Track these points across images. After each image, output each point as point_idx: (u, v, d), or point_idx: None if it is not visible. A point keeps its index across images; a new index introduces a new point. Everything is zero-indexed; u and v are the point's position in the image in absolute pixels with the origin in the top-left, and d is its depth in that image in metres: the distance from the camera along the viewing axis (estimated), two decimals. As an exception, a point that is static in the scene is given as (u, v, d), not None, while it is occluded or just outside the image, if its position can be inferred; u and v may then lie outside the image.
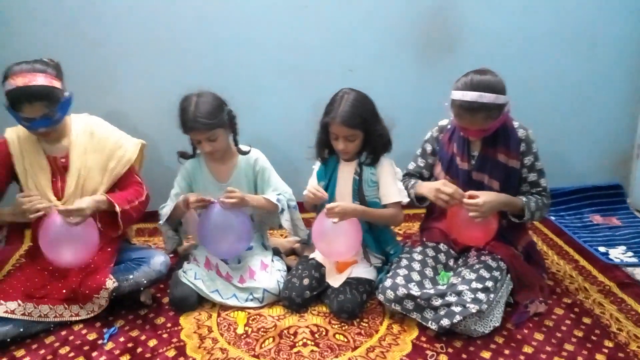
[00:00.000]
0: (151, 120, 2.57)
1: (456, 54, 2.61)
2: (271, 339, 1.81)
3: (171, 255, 2.17)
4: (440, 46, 2.62)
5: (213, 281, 2.01)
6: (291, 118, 2.62)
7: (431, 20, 2.58)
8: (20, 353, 1.75)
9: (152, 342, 1.81)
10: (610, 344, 1.75)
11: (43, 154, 1.90)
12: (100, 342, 1.80)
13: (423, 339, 1.79)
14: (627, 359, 1.68)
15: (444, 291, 1.79)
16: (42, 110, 1.74)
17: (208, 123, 1.91)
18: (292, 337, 1.82)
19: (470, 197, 1.82)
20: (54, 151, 1.91)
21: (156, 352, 1.76)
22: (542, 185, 1.94)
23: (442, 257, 2.01)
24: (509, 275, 1.92)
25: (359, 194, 1.99)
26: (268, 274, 2.05)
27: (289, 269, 2.14)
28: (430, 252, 2.01)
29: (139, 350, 1.77)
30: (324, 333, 1.84)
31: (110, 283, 1.86)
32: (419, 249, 2.02)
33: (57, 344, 1.79)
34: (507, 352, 1.72)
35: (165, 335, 1.84)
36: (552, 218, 2.73)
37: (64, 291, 1.86)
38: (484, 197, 1.81)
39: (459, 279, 1.84)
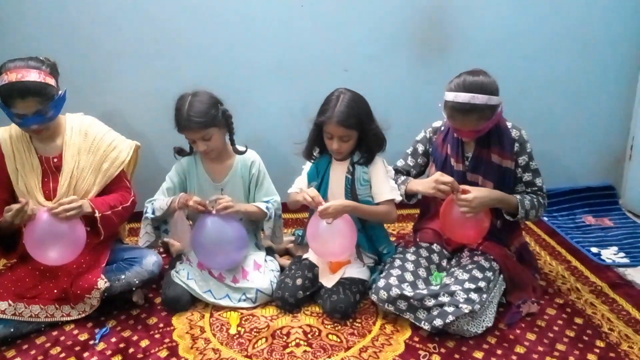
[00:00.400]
0: (146, 120, 2.56)
1: (450, 54, 2.61)
2: (264, 340, 1.80)
3: (164, 255, 2.16)
4: (434, 46, 2.63)
5: (206, 281, 2.00)
6: (286, 117, 2.62)
7: (426, 20, 2.58)
8: (10, 353, 1.74)
9: (144, 343, 1.80)
10: (602, 344, 1.76)
11: (35, 154, 1.88)
12: (91, 342, 1.79)
13: (416, 339, 1.79)
14: (619, 359, 1.68)
15: (437, 291, 1.79)
16: (35, 106, 1.73)
17: (201, 122, 1.90)
18: (285, 337, 1.82)
19: (463, 192, 1.83)
20: (47, 151, 1.90)
21: (148, 352, 1.75)
22: (538, 184, 1.94)
23: (435, 257, 2.02)
24: (501, 276, 1.93)
25: (351, 193, 1.99)
26: (261, 274, 2.05)
27: (282, 269, 2.13)
28: (424, 253, 2.01)
29: (131, 350, 1.76)
30: (317, 333, 1.84)
31: (102, 283, 1.85)
32: (412, 249, 2.02)
33: (48, 345, 1.78)
34: (499, 352, 1.72)
35: (157, 336, 1.83)
36: (545, 219, 2.74)
37: (55, 291, 1.84)
38: (475, 192, 1.82)
39: (452, 279, 1.85)
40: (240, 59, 2.55)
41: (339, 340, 1.80)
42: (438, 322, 1.73)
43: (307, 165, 2.10)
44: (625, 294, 2.05)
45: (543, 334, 1.81)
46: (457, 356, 1.71)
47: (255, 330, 1.85)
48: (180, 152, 2.12)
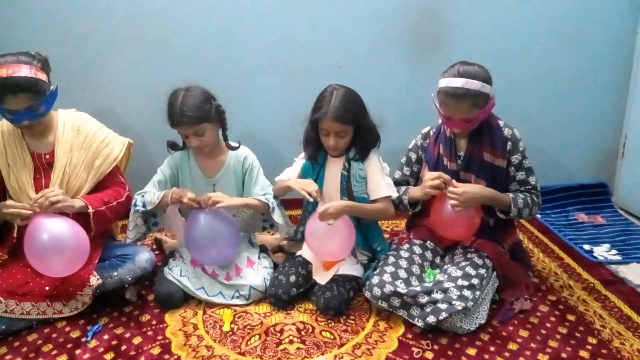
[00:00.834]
0: (139, 116, 2.55)
1: (445, 51, 2.61)
2: (257, 337, 1.80)
3: (157, 252, 2.15)
4: (429, 43, 2.63)
5: (199, 278, 2.00)
6: (280, 114, 2.62)
7: (420, 17, 2.58)
8: (2, 351, 1.73)
9: (137, 340, 1.79)
10: (594, 341, 1.76)
11: (27, 149, 1.87)
12: (83, 339, 1.78)
13: (409, 335, 1.79)
14: (610, 355, 1.69)
15: (430, 288, 1.79)
16: (26, 102, 1.71)
17: (194, 117, 1.89)
18: (279, 334, 1.82)
19: (455, 186, 1.83)
20: (39, 147, 1.89)
21: (141, 349, 1.74)
22: (532, 183, 1.95)
23: (428, 254, 2.02)
24: (494, 273, 1.93)
25: (347, 190, 1.98)
26: (254, 271, 2.05)
27: (275, 266, 2.13)
28: (417, 250, 2.02)
29: (124, 347, 1.75)
30: (310, 330, 1.84)
31: (94, 280, 1.84)
32: (406, 246, 2.02)
33: (39, 342, 1.77)
34: (492, 348, 1.73)
35: (150, 333, 1.82)
36: (538, 216, 2.74)
37: (47, 288, 1.83)
38: (465, 187, 1.83)
39: (445, 276, 1.85)
40: (234, 54, 2.54)
41: (332, 337, 1.80)
42: (431, 319, 1.73)
43: (300, 157, 2.09)
44: (618, 291, 2.06)
45: (536, 330, 1.82)
46: (450, 353, 1.71)
47: (248, 327, 1.85)
48: (173, 146, 2.10)
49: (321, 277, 1.98)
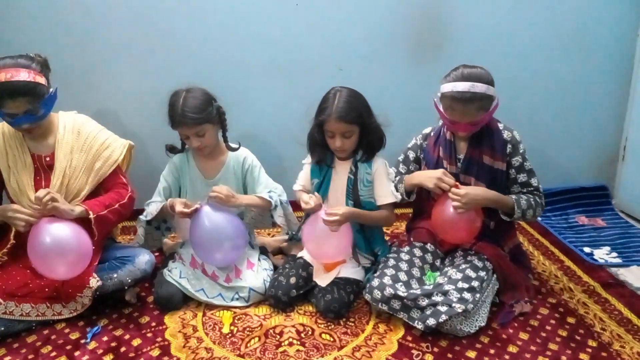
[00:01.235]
0: (140, 118, 2.55)
1: (446, 53, 2.61)
2: (257, 339, 1.80)
3: (156, 253, 2.15)
4: (430, 45, 2.63)
5: (198, 280, 2.00)
6: (281, 116, 2.62)
7: (421, 19, 2.58)
8: (1, 352, 1.72)
9: (136, 342, 1.79)
10: (594, 344, 1.76)
11: (28, 151, 1.87)
12: (83, 341, 1.78)
13: (409, 338, 1.79)
14: (610, 358, 1.69)
15: (430, 291, 1.79)
16: (25, 106, 1.71)
17: (196, 118, 1.90)
18: (278, 336, 1.81)
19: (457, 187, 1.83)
20: (40, 149, 1.89)
21: (140, 351, 1.74)
22: (534, 184, 1.94)
23: (429, 257, 2.02)
24: (494, 275, 1.93)
25: (353, 194, 1.98)
26: (254, 272, 2.04)
27: (275, 268, 2.13)
28: (418, 252, 2.01)
29: (123, 349, 1.75)
30: (310, 332, 1.83)
31: (94, 282, 1.84)
32: (406, 249, 2.02)
33: (39, 343, 1.77)
34: (492, 351, 1.72)
35: (149, 335, 1.82)
36: (539, 218, 2.73)
37: (47, 290, 1.83)
38: (468, 189, 1.82)
39: (446, 279, 1.84)
40: (235, 57, 2.54)
41: (332, 339, 1.80)
42: (431, 322, 1.73)
43: (307, 161, 2.09)
44: (618, 293, 2.05)
45: (536, 333, 1.82)
46: (450, 355, 1.71)
47: (248, 329, 1.85)
48: (172, 149, 2.11)
49: (322, 280, 1.97)
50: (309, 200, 1.89)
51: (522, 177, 1.93)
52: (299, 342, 1.78)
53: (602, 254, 2.37)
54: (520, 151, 1.91)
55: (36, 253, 1.71)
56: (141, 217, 2.02)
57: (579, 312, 1.94)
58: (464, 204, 1.79)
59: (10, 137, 1.87)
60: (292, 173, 2.17)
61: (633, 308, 1.95)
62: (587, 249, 2.42)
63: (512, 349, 1.74)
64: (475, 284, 1.81)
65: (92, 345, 1.77)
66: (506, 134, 1.91)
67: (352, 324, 1.87)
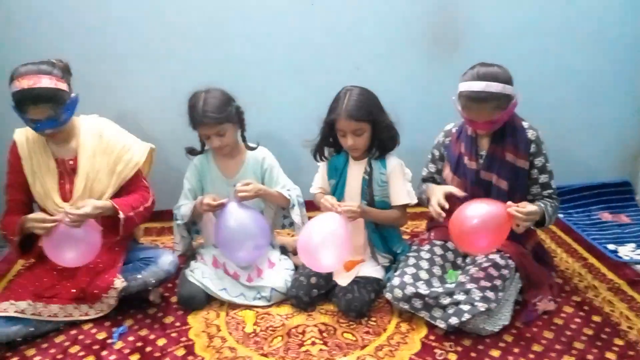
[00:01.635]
0: (160, 120, 2.57)
1: (463, 51, 2.59)
2: (279, 338, 1.81)
3: (179, 254, 2.17)
4: (447, 42, 2.61)
5: (221, 279, 2.02)
6: (298, 115, 2.61)
7: (438, 16, 2.56)
8: (30, 352, 1.76)
9: (161, 341, 1.81)
10: (621, 342, 1.74)
11: (52, 155, 1.90)
12: (109, 341, 1.81)
13: (432, 337, 1.78)
14: (638, 357, 1.67)
15: (452, 289, 1.78)
16: (47, 112, 1.74)
17: (217, 117, 1.92)
18: (301, 335, 1.82)
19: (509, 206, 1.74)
20: (63, 153, 1.92)
21: (165, 351, 1.76)
22: (553, 187, 1.92)
23: (450, 255, 2.01)
24: (517, 274, 1.92)
25: (367, 194, 1.99)
26: (275, 272, 2.06)
27: (296, 267, 2.14)
28: (438, 251, 2.01)
29: (149, 349, 1.78)
30: (332, 332, 1.84)
31: (119, 283, 1.87)
32: (426, 247, 2.01)
33: (67, 343, 1.80)
34: (516, 350, 1.71)
35: (174, 334, 1.85)
36: (561, 215, 2.71)
37: (73, 291, 1.86)
38: (529, 207, 1.74)
39: (468, 278, 1.83)
40: (252, 58, 2.55)
41: (354, 338, 1.80)
42: (454, 321, 1.72)
43: (323, 163, 2.10)
44: (644, 291, 2.03)
45: (560, 332, 1.80)
46: (473, 355, 1.70)
47: (270, 328, 1.86)
48: (191, 152, 2.14)
49: (342, 279, 1.98)
50: (333, 202, 1.89)
51: (543, 178, 1.91)
52: (321, 342, 1.79)
53: (627, 251, 2.33)
54: (544, 152, 1.89)
55: (48, 240, 1.76)
56: (178, 221, 2.07)
57: (604, 310, 1.91)
58: (523, 221, 1.73)
59: (34, 143, 1.90)
60: (310, 172, 2.18)
61: (660, 306, 1.93)
62: (611, 246, 2.38)
63: (536, 347, 1.72)
64: (498, 282, 1.80)
65: (119, 345, 1.80)
66: (530, 133, 1.88)
67: (374, 323, 1.87)
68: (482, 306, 1.72)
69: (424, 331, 1.82)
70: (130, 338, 1.83)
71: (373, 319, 1.90)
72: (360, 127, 1.89)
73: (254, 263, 2.07)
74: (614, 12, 2.63)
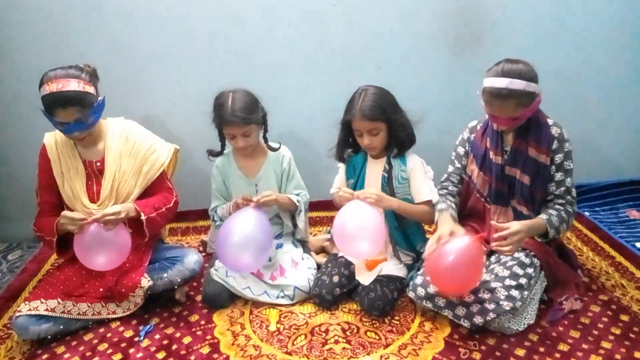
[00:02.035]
0: (184, 122, 2.61)
1: (486, 47, 2.57)
2: (303, 336, 1.82)
3: (203, 253, 2.20)
4: (470, 39, 2.59)
5: (244, 278, 2.03)
6: (320, 115, 2.63)
7: (460, 13, 2.54)
8: (60, 350, 1.81)
9: (187, 339, 1.84)
10: (650, 342, 1.71)
11: (79, 158, 1.94)
12: (136, 339, 1.85)
13: (456, 336, 1.77)
14: (668, 357, 1.64)
15: (477, 288, 1.77)
16: (75, 114, 1.77)
17: (246, 118, 1.95)
18: (324, 334, 1.83)
19: (494, 230, 1.74)
20: (90, 155, 1.96)
21: (191, 349, 1.79)
22: (567, 185, 1.88)
23: None
24: (542, 272, 1.89)
25: (388, 192, 1.99)
26: (298, 271, 2.07)
27: (318, 266, 2.15)
28: None
29: (174, 347, 1.80)
30: (355, 330, 1.84)
31: (146, 282, 1.90)
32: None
33: (95, 341, 1.84)
34: (542, 349, 1.69)
35: (199, 333, 1.87)
36: (587, 213, 2.67)
37: (101, 290, 1.91)
38: (509, 231, 1.71)
39: (492, 276, 1.82)
40: (274, 58, 2.57)
41: (377, 337, 1.80)
42: (478, 320, 1.71)
43: (343, 165, 2.12)
44: (674, 290, 1.98)
45: (587, 331, 1.77)
46: (498, 354, 1.68)
47: (294, 327, 1.88)
48: (212, 153, 2.17)
49: (364, 278, 1.98)
50: (350, 190, 1.92)
51: (559, 176, 1.87)
52: (344, 340, 1.79)
53: (656, 250, 2.29)
54: (565, 149, 1.86)
55: (79, 244, 1.80)
56: (217, 223, 2.12)
57: (632, 309, 1.88)
58: (510, 246, 1.71)
59: (63, 145, 1.95)
60: (332, 172, 2.19)
61: (691, 305, 1.88)
62: (639, 244, 2.34)
63: (562, 347, 1.70)
64: (523, 281, 1.78)
65: (146, 343, 1.83)
66: (554, 130, 1.86)
67: (397, 322, 1.87)
68: (507, 305, 1.70)
69: (447, 330, 1.81)
70: (157, 336, 1.86)
71: (396, 317, 1.90)
72: (375, 127, 1.90)
73: (277, 262, 2.09)
74: (638, 7, 2.57)
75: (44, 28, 2.40)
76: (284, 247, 2.17)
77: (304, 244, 2.27)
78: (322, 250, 2.38)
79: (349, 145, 2.08)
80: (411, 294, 1.88)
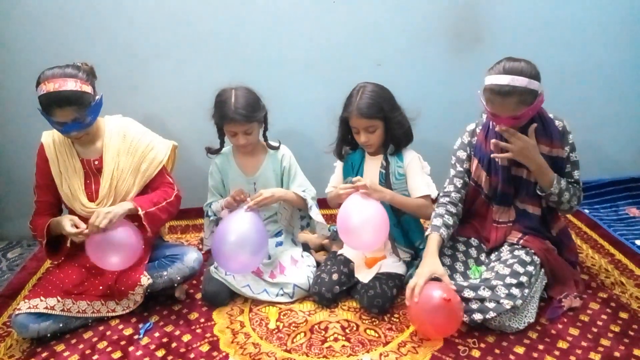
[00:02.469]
0: (183, 119, 2.61)
1: (486, 44, 2.56)
2: (303, 334, 1.82)
3: (203, 251, 2.20)
4: (470, 36, 2.58)
5: (244, 276, 2.03)
6: (319, 113, 2.61)
7: (460, 10, 2.54)
8: (60, 348, 1.81)
9: (186, 337, 1.84)
10: (650, 339, 1.71)
11: (77, 156, 1.93)
12: (136, 337, 1.85)
13: (455, 334, 1.77)
14: (667, 355, 1.64)
15: (477, 285, 1.77)
16: (73, 114, 1.76)
17: (248, 115, 1.95)
18: (323, 332, 1.83)
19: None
20: (88, 154, 1.95)
21: (190, 346, 1.79)
22: (575, 177, 1.89)
23: (472, 251, 1.99)
24: (542, 270, 1.89)
25: (385, 188, 1.98)
26: (298, 269, 2.07)
27: (318, 264, 2.15)
28: (461, 247, 2.00)
29: (174, 345, 1.80)
30: (354, 328, 1.85)
31: (145, 280, 1.91)
32: (449, 243, 2.00)
33: (95, 339, 1.84)
34: (541, 347, 1.69)
35: (198, 330, 1.87)
36: (586, 211, 2.67)
37: (101, 288, 1.91)
38: (522, 136, 1.76)
39: (493, 274, 1.82)
40: (274, 56, 2.57)
41: (377, 335, 1.80)
42: (478, 317, 1.71)
43: (340, 163, 2.12)
44: (673, 288, 1.98)
45: (587, 328, 1.77)
46: (497, 351, 1.69)
47: (293, 325, 1.88)
48: (211, 151, 2.17)
49: (364, 276, 1.98)
50: (344, 185, 1.92)
51: (566, 168, 1.88)
52: (344, 338, 1.79)
53: (656, 247, 2.29)
54: (570, 141, 1.86)
55: (93, 247, 1.80)
56: (210, 217, 2.11)
57: (631, 307, 1.88)
58: (515, 145, 1.75)
59: (60, 144, 1.93)
60: (331, 170, 2.20)
61: (690, 303, 1.88)
62: (639, 242, 2.33)
63: (562, 344, 1.70)
64: (524, 279, 1.78)
65: (145, 340, 1.83)
66: (557, 123, 1.85)
67: (397, 320, 1.87)
68: (507, 304, 1.70)
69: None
70: (156, 334, 1.86)
71: (396, 315, 1.90)
72: (372, 124, 1.90)
73: (277, 260, 2.09)
74: (638, 6, 2.56)
75: (43, 26, 2.40)
76: (284, 245, 2.17)
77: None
78: (321, 248, 2.38)
79: (347, 143, 2.08)
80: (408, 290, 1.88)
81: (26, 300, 1.82)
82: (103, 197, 1.91)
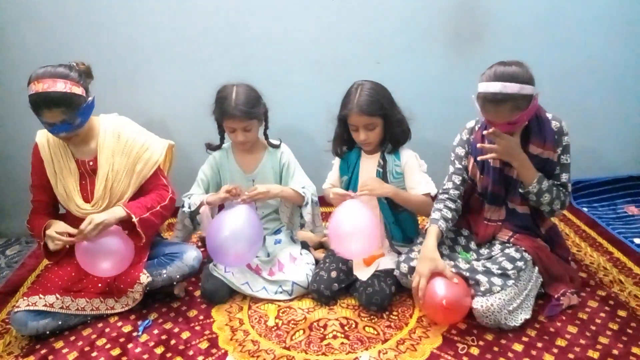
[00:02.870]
0: (182, 118, 2.61)
1: (485, 43, 2.56)
2: (301, 331, 1.82)
3: (202, 249, 2.20)
4: (469, 35, 2.58)
5: (243, 274, 2.04)
6: (319, 111, 2.61)
7: (459, 8, 2.54)
8: (59, 345, 1.81)
9: (185, 335, 1.84)
10: (647, 337, 1.71)
11: (72, 157, 1.91)
12: (135, 334, 1.85)
13: (454, 331, 1.78)
14: (665, 352, 1.64)
15: (462, 268, 1.79)
16: (61, 116, 1.73)
17: (248, 112, 1.95)
18: (322, 329, 1.84)
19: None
20: (83, 154, 1.92)
21: (189, 344, 1.79)
22: (562, 180, 1.87)
23: (461, 240, 2.01)
24: (537, 268, 1.88)
25: (389, 184, 1.99)
26: (297, 266, 2.08)
27: (316, 262, 2.15)
28: (450, 235, 2.02)
29: (173, 342, 1.81)
30: (353, 325, 1.85)
31: (144, 278, 1.91)
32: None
33: (94, 336, 1.84)
34: (539, 344, 1.70)
35: (197, 328, 1.87)
36: (585, 209, 2.67)
37: (100, 285, 1.90)
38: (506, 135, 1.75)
39: (481, 269, 1.81)
40: (273, 54, 2.57)
41: (375, 332, 1.81)
42: None
43: (337, 160, 2.12)
44: (671, 286, 1.99)
45: (585, 326, 1.78)
46: (496, 349, 1.69)
47: (292, 322, 1.88)
48: (211, 147, 2.17)
49: (362, 273, 1.98)
50: (343, 191, 1.92)
51: (556, 170, 1.87)
52: (342, 335, 1.80)
53: (654, 245, 2.29)
54: (564, 143, 1.84)
55: (83, 254, 1.79)
56: (184, 209, 2.06)
57: (630, 305, 1.88)
58: (500, 146, 1.74)
59: (55, 144, 1.91)
60: (330, 168, 2.19)
61: (688, 300, 1.89)
62: (637, 240, 2.34)
63: (560, 342, 1.71)
64: (511, 272, 1.77)
65: (144, 338, 1.83)
66: (554, 124, 1.84)
67: (396, 317, 1.88)
68: (483, 286, 1.72)
69: (445, 325, 1.81)
70: (155, 331, 1.86)
71: (394, 312, 1.90)
72: (371, 122, 1.90)
73: (276, 257, 2.09)
74: (637, 4, 2.56)
75: (42, 23, 2.40)
76: (282, 242, 2.17)
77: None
78: (320, 245, 2.38)
79: (344, 142, 2.07)
80: (396, 272, 1.91)
81: (25, 298, 1.82)
82: (98, 198, 1.89)
